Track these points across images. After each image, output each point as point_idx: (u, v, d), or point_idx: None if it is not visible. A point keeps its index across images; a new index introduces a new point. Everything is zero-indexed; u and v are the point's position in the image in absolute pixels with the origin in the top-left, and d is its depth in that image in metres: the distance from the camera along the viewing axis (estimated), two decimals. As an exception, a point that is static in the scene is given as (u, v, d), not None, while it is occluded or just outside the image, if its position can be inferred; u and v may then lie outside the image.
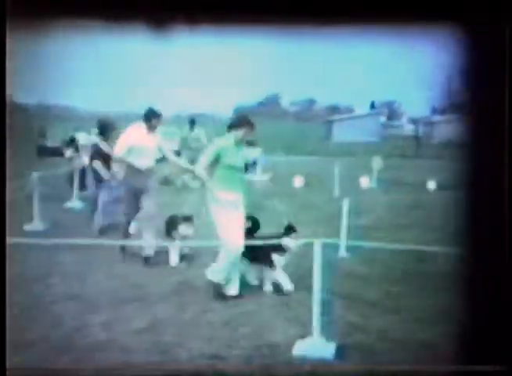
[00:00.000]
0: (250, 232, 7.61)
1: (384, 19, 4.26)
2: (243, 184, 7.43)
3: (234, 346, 5.73)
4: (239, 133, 7.34)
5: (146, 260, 8.88)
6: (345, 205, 10.15)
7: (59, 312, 6.56)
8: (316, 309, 5.69)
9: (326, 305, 6.49)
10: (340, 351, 5.59)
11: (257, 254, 7.55)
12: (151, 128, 8.96)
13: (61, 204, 14.33)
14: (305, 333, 5.80)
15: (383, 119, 77.11)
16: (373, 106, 71.23)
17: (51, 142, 30.32)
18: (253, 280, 7.80)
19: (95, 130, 11.70)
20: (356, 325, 6.37)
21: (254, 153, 24.64)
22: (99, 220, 10.98)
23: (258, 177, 21.23)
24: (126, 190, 9.19)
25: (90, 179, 11.37)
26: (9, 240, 4.50)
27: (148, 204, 8.98)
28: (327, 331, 5.75)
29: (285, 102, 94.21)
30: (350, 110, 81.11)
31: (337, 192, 17.74)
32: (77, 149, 17.22)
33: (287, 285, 7.50)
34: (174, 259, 8.91)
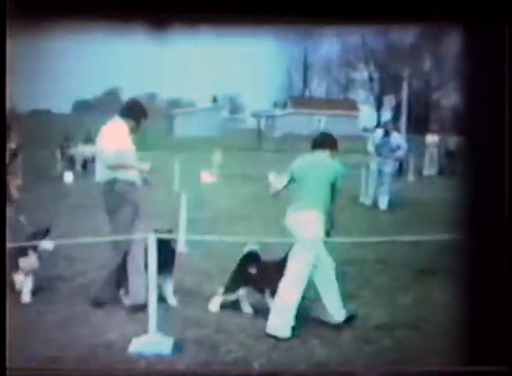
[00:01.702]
0: None
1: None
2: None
3: (69, 348, 5.56)
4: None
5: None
6: (183, 199, 10.17)
7: None
8: (152, 306, 5.64)
9: (162, 301, 6.48)
10: (178, 346, 5.59)
11: None
12: (137, 128, 7.03)
13: None
14: (142, 330, 5.73)
15: (225, 113, 78.00)
16: (215, 100, 71.65)
17: None
18: None
19: None
20: (194, 320, 6.41)
21: (91, 149, 24.12)
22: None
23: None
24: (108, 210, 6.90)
25: None
26: None
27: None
28: (164, 327, 5.72)
29: (125, 96, 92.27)
30: (191, 104, 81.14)
31: (177, 187, 17.69)
32: None
33: None
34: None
